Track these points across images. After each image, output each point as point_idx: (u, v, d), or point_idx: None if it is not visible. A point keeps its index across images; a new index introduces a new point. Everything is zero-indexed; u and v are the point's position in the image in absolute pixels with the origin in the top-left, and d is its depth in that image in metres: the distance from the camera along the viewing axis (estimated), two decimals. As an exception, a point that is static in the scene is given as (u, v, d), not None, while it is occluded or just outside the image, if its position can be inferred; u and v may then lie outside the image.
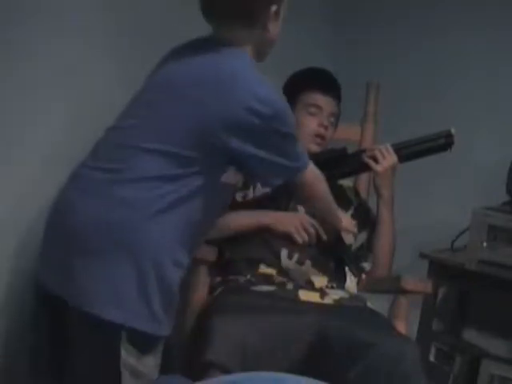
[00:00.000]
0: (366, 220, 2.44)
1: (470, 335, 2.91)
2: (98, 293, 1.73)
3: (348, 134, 2.62)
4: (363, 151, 2.39)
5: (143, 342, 1.78)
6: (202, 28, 1.93)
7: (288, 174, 1.91)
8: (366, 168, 2.37)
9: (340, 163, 2.36)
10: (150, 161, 1.76)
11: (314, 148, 2.38)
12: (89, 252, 1.74)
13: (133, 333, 1.75)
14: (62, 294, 1.77)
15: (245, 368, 1.87)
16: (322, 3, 3.07)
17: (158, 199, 1.75)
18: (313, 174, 1.98)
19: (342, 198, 2.42)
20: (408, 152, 2.38)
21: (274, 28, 1.90)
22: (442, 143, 2.35)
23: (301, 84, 2.43)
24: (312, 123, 2.39)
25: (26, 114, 2.04)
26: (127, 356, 1.76)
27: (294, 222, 2.22)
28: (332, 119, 2.42)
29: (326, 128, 2.39)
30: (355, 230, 2.31)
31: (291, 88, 2.43)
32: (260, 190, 2.36)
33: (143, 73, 1.97)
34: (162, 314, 1.78)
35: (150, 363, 1.81)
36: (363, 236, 2.44)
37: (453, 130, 2.33)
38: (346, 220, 2.26)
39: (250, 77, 1.80)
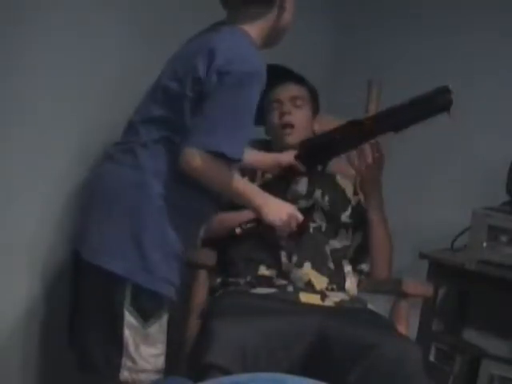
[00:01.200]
0: (363, 220, 2.43)
1: (470, 335, 2.91)
2: (102, 244, 1.89)
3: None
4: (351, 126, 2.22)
5: (146, 304, 1.89)
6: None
7: (205, 135, 1.86)
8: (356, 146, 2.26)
9: (328, 148, 2.26)
10: (151, 126, 1.92)
11: (288, 139, 2.37)
12: (100, 208, 1.92)
13: (136, 291, 1.87)
14: (78, 247, 1.94)
15: (245, 369, 1.87)
16: (322, 3, 3.06)
17: (164, 164, 1.90)
18: (208, 163, 1.87)
19: (341, 198, 2.42)
20: (402, 119, 2.13)
21: (290, 9, 2.00)
22: (440, 103, 2.06)
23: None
24: (274, 117, 2.39)
25: (26, 114, 2.06)
26: (131, 317, 1.88)
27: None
28: (298, 102, 2.40)
29: (289, 113, 2.37)
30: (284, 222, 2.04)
31: None
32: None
33: (147, 73, 1.99)
34: (163, 271, 1.90)
35: (155, 329, 1.91)
36: (360, 236, 2.43)
37: (451, 86, 2.06)
38: (278, 209, 2.04)
39: (237, 43, 1.90)
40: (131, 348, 1.90)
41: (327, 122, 2.42)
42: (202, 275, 2.22)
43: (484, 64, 2.88)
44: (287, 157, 2.27)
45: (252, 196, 2.01)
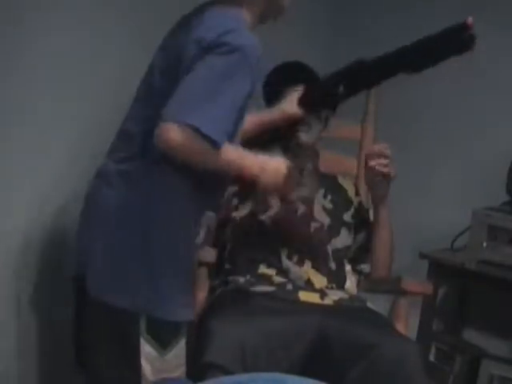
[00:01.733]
0: (364, 221, 2.44)
1: (470, 335, 2.91)
2: (109, 278, 1.79)
3: (348, 134, 2.62)
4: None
5: (163, 334, 1.82)
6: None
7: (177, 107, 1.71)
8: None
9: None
10: (147, 143, 1.76)
11: (305, 137, 2.33)
12: (104, 236, 1.81)
13: (151, 322, 1.79)
14: (83, 271, 1.83)
15: (245, 369, 1.87)
16: (322, 3, 3.06)
17: (161, 182, 1.79)
18: (189, 138, 1.69)
19: (343, 198, 2.42)
20: (420, 58, 1.98)
21: None
22: (464, 40, 1.87)
23: (281, 82, 2.37)
24: None
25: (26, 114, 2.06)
26: (148, 347, 1.80)
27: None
28: None
29: None
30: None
31: (272, 87, 2.38)
32: None
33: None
34: (178, 293, 1.83)
35: (173, 355, 1.84)
36: (361, 237, 2.43)
37: (470, 20, 1.85)
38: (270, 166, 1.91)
39: (224, 19, 1.79)
40: (150, 377, 1.82)
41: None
42: (203, 273, 2.22)
43: (484, 64, 2.88)
44: (291, 106, 2.18)
45: (246, 164, 1.86)
